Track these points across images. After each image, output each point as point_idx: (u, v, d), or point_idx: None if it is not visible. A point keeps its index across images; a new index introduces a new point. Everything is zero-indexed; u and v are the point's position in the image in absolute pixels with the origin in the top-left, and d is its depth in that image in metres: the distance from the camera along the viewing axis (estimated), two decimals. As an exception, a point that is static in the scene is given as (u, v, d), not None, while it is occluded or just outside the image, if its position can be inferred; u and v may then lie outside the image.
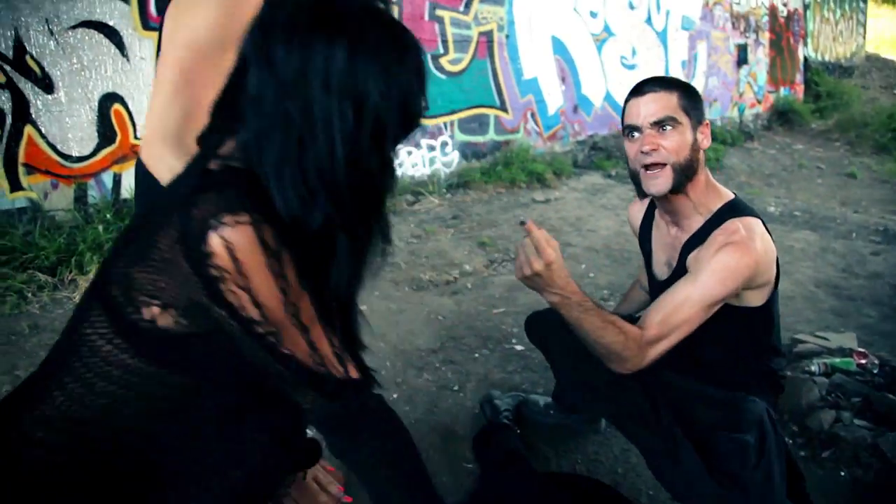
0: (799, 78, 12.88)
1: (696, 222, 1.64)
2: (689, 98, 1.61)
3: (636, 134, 1.62)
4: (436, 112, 5.92)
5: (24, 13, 3.72)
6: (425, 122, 5.83)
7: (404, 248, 4.42)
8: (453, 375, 2.86)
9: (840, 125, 11.35)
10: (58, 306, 3.30)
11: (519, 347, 3.16)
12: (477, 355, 3.06)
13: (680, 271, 1.64)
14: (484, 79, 6.36)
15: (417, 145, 5.82)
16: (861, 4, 15.91)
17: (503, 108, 6.57)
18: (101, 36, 4.01)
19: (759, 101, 11.47)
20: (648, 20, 8.60)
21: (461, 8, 6.09)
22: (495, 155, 6.48)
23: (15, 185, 3.73)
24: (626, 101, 1.67)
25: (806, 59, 13.09)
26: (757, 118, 11.41)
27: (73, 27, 3.90)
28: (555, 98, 7.17)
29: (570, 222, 5.29)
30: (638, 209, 2.00)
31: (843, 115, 11.77)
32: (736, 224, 1.55)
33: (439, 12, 5.89)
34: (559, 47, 7.19)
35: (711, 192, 1.66)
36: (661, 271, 1.80)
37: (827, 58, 14.07)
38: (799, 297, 4.02)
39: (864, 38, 16.23)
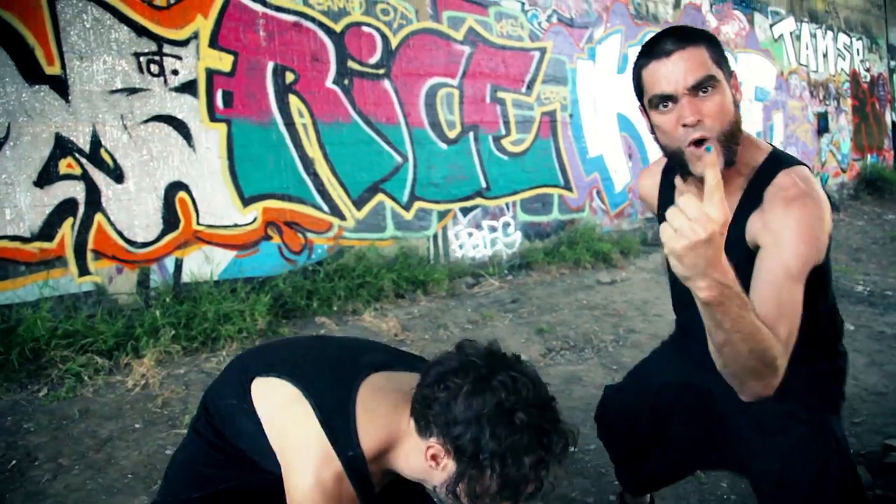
0: (888, 144, 12.29)
1: (737, 184, 1.41)
2: (716, 47, 1.36)
3: (669, 104, 1.34)
4: (497, 193, 5.90)
5: (101, 110, 3.95)
6: (486, 202, 5.81)
7: (459, 334, 4.31)
8: (498, 480, 2.68)
9: (937, 193, 10.67)
10: (111, 390, 3.34)
11: (571, 449, 2.95)
12: (525, 457, 2.87)
13: (735, 243, 1.33)
14: (547, 158, 6.32)
15: (479, 226, 5.78)
16: (953, 67, 15.22)
17: (567, 187, 6.49)
18: (171, 128, 4.21)
19: (843, 170, 10.95)
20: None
21: (523, 89, 6.13)
22: (559, 235, 6.36)
23: (83, 271, 3.88)
24: (643, 65, 1.38)
25: (894, 125, 12.50)
26: (842, 188, 10.87)
27: (146, 121, 4.11)
28: (622, 175, 7.04)
29: (636, 306, 5.06)
30: (651, 179, 1.71)
31: (941, 182, 11.08)
32: (790, 177, 1.35)
33: (501, 94, 5.94)
34: (625, 124, 7.10)
35: (749, 147, 1.42)
36: None
37: (919, 122, 13.40)
38: (893, 393, 3.63)
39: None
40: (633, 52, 7.14)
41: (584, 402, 3.42)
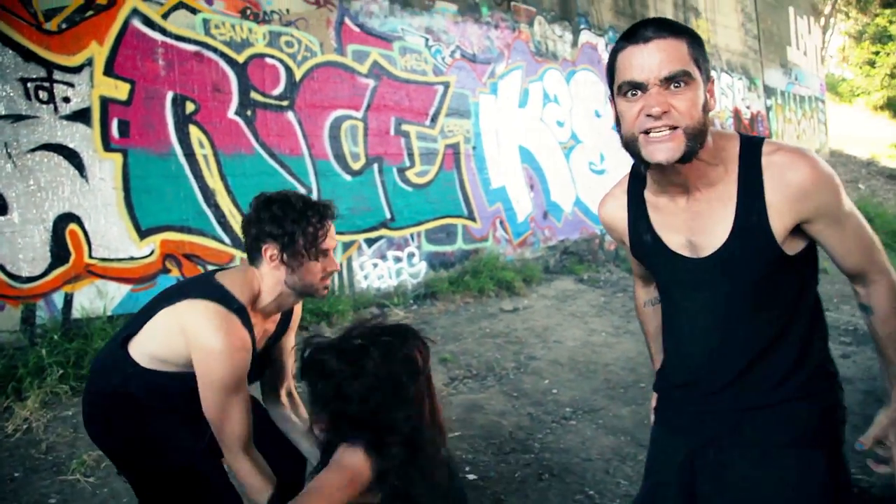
0: (768, 176, 13.20)
1: (724, 171, 1.35)
2: (699, 47, 1.28)
3: (637, 93, 1.27)
4: (402, 224, 5.97)
5: (-17, 138, 3.77)
6: (391, 233, 5.87)
7: (362, 366, 4.32)
8: (398, 513, 2.70)
9: (811, 221, 11.53)
10: (-12, 440, 3.15)
11: (472, 477, 3.03)
12: (426, 488, 2.91)
13: (757, 229, 1.33)
14: (451, 189, 6.46)
15: (384, 257, 5.82)
16: (820, 104, 16.63)
17: (471, 218, 6.64)
18: (61, 158, 4.05)
19: (730, 201, 11.68)
20: (615, 126, 8.86)
21: (427, 122, 6.26)
22: (464, 264, 6.49)
23: (-40, 309, 3.66)
24: (619, 49, 1.30)
25: (773, 159, 13.47)
26: (729, 217, 11.57)
27: (33, 150, 3.94)
28: (524, 205, 7.27)
29: (537, 333, 5.23)
30: (615, 201, 1.59)
31: (814, 212, 11.98)
32: (770, 146, 1.33)
33: (405, 127, 6.05)
34: (527, 156, 7.36)
35: (721, 139, 1.36)
36: (688, 252, 1.43)
37: (794, 157, 14.49)
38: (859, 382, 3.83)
39: (827, 135, 16.86)
40: (534, 88, 7.49)
41: (485, 430, 3.51)
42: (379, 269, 5.78)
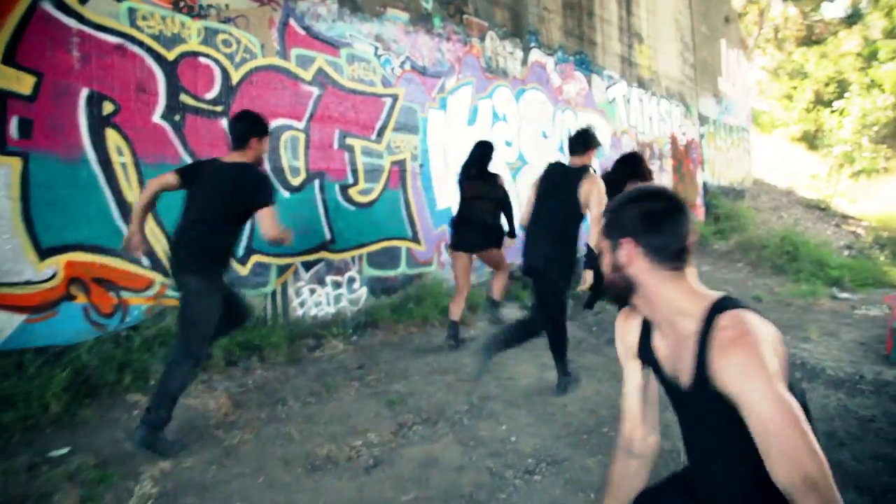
0: (699, 200, 13.45)
1: (689, 326, 1.55)
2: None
3: None
4: (343, 246, 5.50)
5: None
6: (331, 256, 5.39)
7: (300, 410, 3.83)
8: None
9: (741, 246, 11.71)
10: None
11: None
12: (381, 573, 2.48)
13: (702, 379, 1.50)
14: (396, 210, 6.04)
15: (322, 282, 5.33)
16: (745, 134, 17.17)
17: (415, 240, 6.24)
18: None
19: (665, 224, 11.76)
20: (561, 148, 8.68)
21: (373, 136, 5.82)
22: (406, 290, 6.06)
23: None
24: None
25: (705, 184, 13.74)
26: (664, 240, 11.65)
27: None
28: (470, 228, 6.92)
29: (488, 368, 4.85)
30: (632, 323, 1.84)
31: (742, 237, 12.19)
32: (724, 320, 1.48)
33: (350, 140, 5.59)
34: (474, 176, 7.02)
35: (694, 297, 1.58)
36: (673, 377, 1.66)
37: (722, 182, 14.86)
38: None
39: (751, 164, 17.43)
40: (484, 105, 7.17)
41: (441, 489, 3.10)
42: (317, 295, 5.28)
